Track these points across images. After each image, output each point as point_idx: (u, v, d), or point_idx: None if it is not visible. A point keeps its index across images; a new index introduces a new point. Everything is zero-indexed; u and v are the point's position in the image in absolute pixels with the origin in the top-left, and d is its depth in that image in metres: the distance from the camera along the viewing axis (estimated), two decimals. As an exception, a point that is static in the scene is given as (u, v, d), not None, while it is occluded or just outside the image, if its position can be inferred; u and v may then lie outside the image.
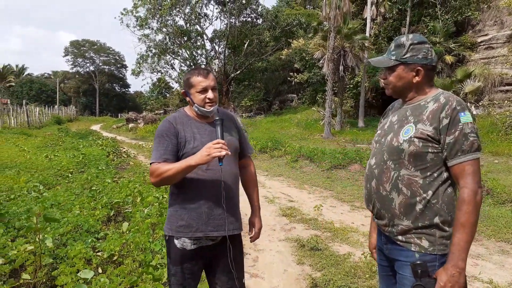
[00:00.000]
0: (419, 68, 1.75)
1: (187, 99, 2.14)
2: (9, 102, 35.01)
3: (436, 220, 1.66)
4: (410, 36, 1.79)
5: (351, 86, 23.62)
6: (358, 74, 21.97)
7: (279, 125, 24.03)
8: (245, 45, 31.21)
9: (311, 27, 25.41)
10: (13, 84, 61.63)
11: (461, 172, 1.61)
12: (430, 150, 1.65)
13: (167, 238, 2.11)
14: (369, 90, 23.33)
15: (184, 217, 2.04)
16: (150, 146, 16.79)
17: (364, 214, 6.15)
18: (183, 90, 2.15)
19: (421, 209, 1.67)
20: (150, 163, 2.03)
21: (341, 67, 19.78)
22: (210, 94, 2.07)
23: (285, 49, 30.37)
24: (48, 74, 78.44)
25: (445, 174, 1.67)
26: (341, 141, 17.04)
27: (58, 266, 3.39)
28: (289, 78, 29.36)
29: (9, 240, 3.81)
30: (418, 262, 1.65)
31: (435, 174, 1.67)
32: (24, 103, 30.51)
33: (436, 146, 1.65)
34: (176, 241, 2.05)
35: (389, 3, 22.88)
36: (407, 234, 1.71)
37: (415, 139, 1.66)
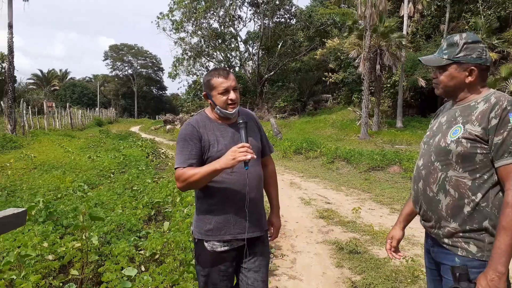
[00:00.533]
0: (472, 68, 1.70)
1: (209, 101, 2.11)
2: (54, 105, 36.71)
3: (486, 224, 1.60)
4: (464, 35, 1.74)
5: (388, 85, 23.08)
6: (396, 73, 21.43)
7: (313, 126, 23.84)
8: (279, 46, 31.22)
9: (346, 26, 25.08)
10: (57, 88, 64.79)
11: (506, 174, 1.54)
12: (478, 151, 1.60)
13: (196, 241, 2.12)
14: (407, 90, 22.72)
15: (212, 221, 2.05)
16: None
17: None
18: (204, 92, 2.13)
19: (469, 212, 1.62)
20: (175, 168, 2.02)
21: (377, 66, 19.37)
22: (232, 95, 2.04)
23: (320, 49, 30.10)
24: (89, 77, 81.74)
25: (495, 177, 1.61)
26: (378, 142, 16.68)
27: (103, 263, 3.53)
28: (323, 78, 29.06)
29: (58, 237, 4.01)
30: (458, 265, 1.60)
31: (485, 176, 1.61)
32: (67, 106, 31.92)
33: (485, 147, 1.59)
34: (206, 244, 2.06)
35: (427, 0, 22.18)
36: (454, 238, 1.66)
37: (463, 140, 1.62)
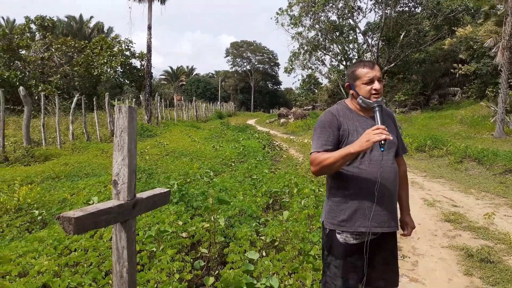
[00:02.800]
0: None
1: (351, 92, 2.12)
2: (182, 99, 40.38)
3: None
4: None
5: (533, 77, 19.96)
6: (543, 62, 18.42)
7: (438, 122, 21.94)
8: (401, 36, 29.30)
9: (481, 12, 22.35)
10: (184, 83, 71.11)
11: None
12: None
13: (327, 231, 2.14)
14: (558, 82, 19.34)
15: (346, 212, 2.05)
16: (300, 140, 17.32)
17: (552, 229, 5.19)
18: (347, 83, 2.14)
19: None
20: (311, 153, 2.06)
21: (520, 56, 16.89)
22: (376, 85, 2.03)
23: (448, 38, 27.43)
24: (211, 73, 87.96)
25: None
26: (517, 141, 14.62)
27: (227, 245, 3.82)
28: (452, 70, 26.44)
29: (189, 217, 4.45)
30: None
31: None
32: (193, 99, 34.83)
33: None
34: (338, 236, 2.08)
35: None
36: None
37: None
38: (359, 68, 2.07)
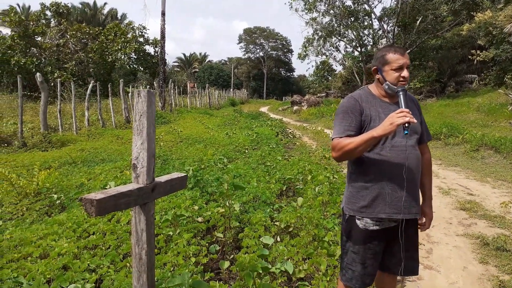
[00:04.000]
0: None
1: (377, 76, 2.10)
2: (195, 86, 40.47)
3: None
4: None
5: (554, 63, 19.43)
6: None
7: (454, 110, 21.55)
8: (418, 22, 28.69)
9: (503, -4, 21.70)
10: (197, 70, 71.13)
11: None
12: None
13: (347, 217, 2.14)
14: None
15: (366, 198, 2.04)
16: (313, 128, 17.24)
17: None
18: (375, 67, 2.10)
19: None
20: (332, 138, 2.05)
21: (541, 41, 16.42)
22: (405, 73, 2.02)
23: (466, 24, 26.73)
24: (224, 60, 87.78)
25: None
26: (536, 129, 14.30)
27: (242, 230, 3.86)
28: (469, 57, 25.83)
29: (204, 203, 4.51)
30: None
31: None
32: (207, 86, 34.85)
33: None
34: (358, 222, 2.08)
35: None
36: None
37: None
38: (390, 53, 2.04)
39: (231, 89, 58.18)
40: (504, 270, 3.61)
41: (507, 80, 22.63)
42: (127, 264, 2.93)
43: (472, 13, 26.31)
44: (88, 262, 2.93)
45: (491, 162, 9.05)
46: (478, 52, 24.61)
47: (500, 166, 8.62)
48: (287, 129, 15.92)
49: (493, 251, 4.04)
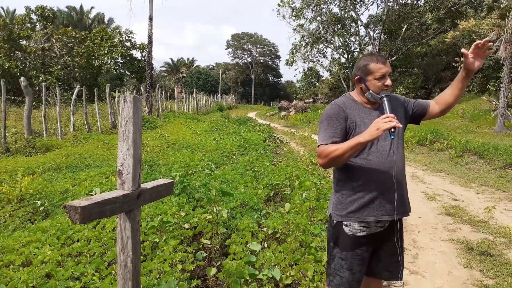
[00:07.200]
0: None
1: (360, 85, 2.11)
2: (183, 91, 40.31)
3: None
4: None
5: (535, 71, 19.88)
6: (546, 57, 18.32)
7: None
8: (403, 29, 29.17)
9: (484, 5, 22.22)
10: (184, 75, 70.85)
11: None
12: None
13: (334, 223, 2.14)
14: (561, 76, 19.25)
15: (354, 203, 2.06)
16: (301, 133, 17.31)
17: (552, 223, 5.21)
18: (357, 77, 2.12)
19: None
20: (318, 145, 2.05)
21: (522, 50, 16.80)
22: (388, 81, 2.05)
23: (450, 32, 27.29)
24: (212, 65, 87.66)
25: None
26: (518, 136, 14.62)
27: (229, 236, 3.84)
28: (453, 64, 26.32)
29: (191, 209, 4.47)
30: None
31: None
32: (194, 91, 34.75)
33: None
34: (345, 228, 2.09)
35: None
36: None
37: None
38: (372, 63, 2.05)
39: (219, 94, 58.13)
40: (488, 275, 3.66)
41: (490, 87, 23.12)
42: (112, 271, 2.88)
43: (456, 21, 26.90)
44: (72, 270, 2.87)
45: (475, 168, 9.21)
46: (462, 59, 25.04)
47: (483, 171, 8.78)
48: (275, 135, 15.96)
49: (478, 255, 4.09)
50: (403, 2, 30.26)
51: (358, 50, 34.16)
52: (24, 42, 25.50)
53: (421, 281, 3.57)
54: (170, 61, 74.82)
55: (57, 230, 3.69)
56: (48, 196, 5.28)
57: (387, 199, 2.03)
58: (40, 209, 4.72)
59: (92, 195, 3.61)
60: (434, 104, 2.22)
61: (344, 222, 2.09)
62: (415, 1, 30.19)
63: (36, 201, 4.85)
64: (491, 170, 8.83)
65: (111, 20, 47.70)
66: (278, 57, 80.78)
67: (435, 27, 30.02)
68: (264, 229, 3.89)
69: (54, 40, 26.51)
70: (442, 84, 30.00)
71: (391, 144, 2.04)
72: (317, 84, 50.01)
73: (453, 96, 2.16)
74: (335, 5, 31.11)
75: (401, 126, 1.86)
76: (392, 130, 1.84)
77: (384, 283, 3.17)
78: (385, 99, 2.01)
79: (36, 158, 8.82)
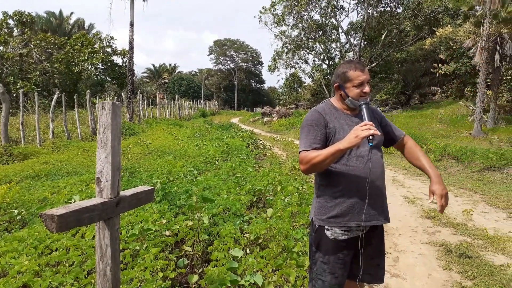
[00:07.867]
0: None
1: (340, 92, 2.15)
2: (165, 97, 40.01)
3: None
4: None
5: (509, 77, 20.55)
6: (519, 63, 18.97)
7: (418, 121, 22.36)
8: (383, 36, 29.74)
9: (461, 13, 22.85)
10: (166, 81, 70.36)
11: None
12: None
13: (316, 227, 2.17)
14: (533, 82, 19.96)
15: (336, 208, 2.08)
16: (283, 139, 17.39)
17: (526, 224, 5.36)
18: (337, 84, 2.16)
19: None
20: (299, 152, 2.09)
21: (497, 57, 17.33)
22: (366, 88, 2.09)
23: (428, 39, 27.99)
24: (194, 71, 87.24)
25: None
26: (494, 139, 14.99)
27: (211, 243, 3.82)
28: (432, 70, 26.98)
29: (172, 216, 4.43)
30: None
31: None
32: (176, 97, 34.55)
33: None
34: (327, 232, 2.11)
35: None
36: None
37: None
38: (351, 70, 2.10)
39: (202, 100, 57.91)
40: (466, 276, 3.73)
41: (467, 92, 23.76)
42: (92, 280, 2.83)
43: (433, 28, 27.60)
44: (50, 280, 2.81)
45: (453, 171, 9.41)
46: (440, 65, 25.72)
47: (461, 175, 8.98)
48: (258, 140, 15.99)
49: (456, 257, 4.18)
50: (383, 9, 30.89)
51: (339, 56, 34.66)
52: (1, 47, 24.93)
53: (402, 283, 3.62)
54: (152, 67, 74.19)
55: (35, 240, 3.60)
56: (25, 205, 5.15)
57: (369, 204, 2.06)
58: (17, 218, 4.60)
59: (71, 203, 3.55)
60: (405, 142, 2.36)
61: (326, 227, 2.12)
62: (394, 9, 30.86)
63: (13, 210, 4.73)
64: (468, 173, 9.04)
65: (91, 26, 47.08)
66: (261, 63, 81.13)
67: (413, 34, 30.71)
68: (247, 235, 3.88)
69: (32, 46, 26.01)
70: (421, 90, 30.63)
71: (370, 150, 2.07)
72: (299, 90, 50.41)
73: (412, 161, 2.34)
74: (316, 12, 31.55)
75: (379, 133, 1.90)
76: (371, 137, 1.88)
77: (366, 286, 3.20)
78: (363, 106, 2.05)
79: (14, 166, 8.61)
